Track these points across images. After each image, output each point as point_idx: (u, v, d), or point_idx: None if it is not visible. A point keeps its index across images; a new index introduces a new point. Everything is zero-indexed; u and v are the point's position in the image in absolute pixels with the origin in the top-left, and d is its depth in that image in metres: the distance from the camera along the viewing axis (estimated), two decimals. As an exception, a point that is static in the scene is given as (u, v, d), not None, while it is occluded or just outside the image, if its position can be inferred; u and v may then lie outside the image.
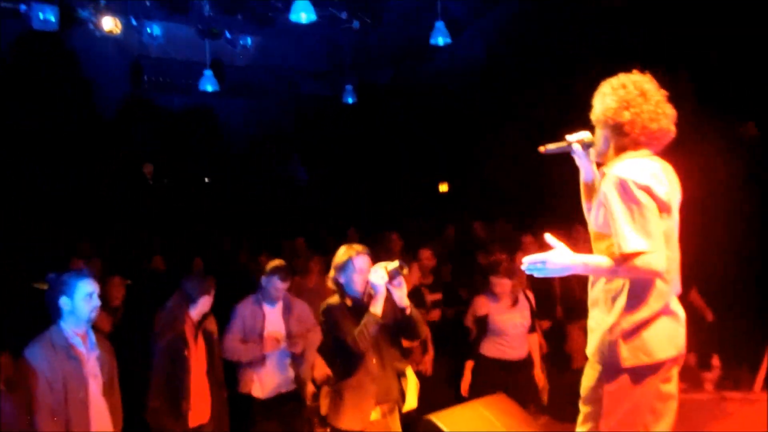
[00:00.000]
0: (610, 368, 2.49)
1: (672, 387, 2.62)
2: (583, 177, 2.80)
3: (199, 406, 4.11)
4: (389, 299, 3.54)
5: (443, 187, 11.30)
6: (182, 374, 4.03)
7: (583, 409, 2.61)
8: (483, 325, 4.73)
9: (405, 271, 3.50)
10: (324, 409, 5.13)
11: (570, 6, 7.00)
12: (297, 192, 10.74)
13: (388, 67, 10.43)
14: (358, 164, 10.91)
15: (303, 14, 7.86)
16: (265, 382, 4.53)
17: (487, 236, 7.70)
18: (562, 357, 5.70)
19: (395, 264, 3.50)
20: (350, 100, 10.62)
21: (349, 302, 3.61)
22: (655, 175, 2.45)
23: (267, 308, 4.56)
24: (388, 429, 3.59)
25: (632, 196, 2.38)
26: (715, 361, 5.26)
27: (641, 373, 2.47)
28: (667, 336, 2.49)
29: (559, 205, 8.06)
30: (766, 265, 5.26)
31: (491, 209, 9.09)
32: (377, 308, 3.47)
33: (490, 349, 4.72)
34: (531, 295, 4.83)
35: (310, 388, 4.81)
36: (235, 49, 8.99)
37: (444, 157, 10.53)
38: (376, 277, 3.48)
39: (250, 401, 4.52)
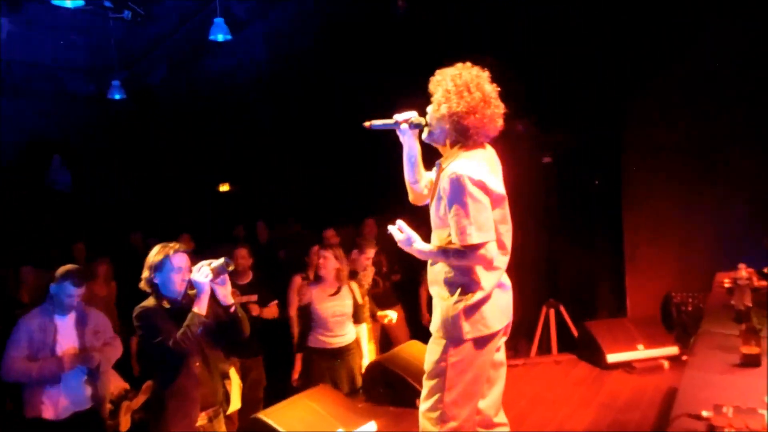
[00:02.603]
0: (454, 341, 2.66)
1: (502, 355, 2.89)
2: (406, 154, 2.91)
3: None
4: (212, 298, 3.39)
5: (224, 188, 11.03)
6: None
7: (428, 383, 2.76)
8: (307, 315, 4.74)
9: (231, 267, 3.38)
10: (123, 426, 4.81)
11: (355, 10, 7.24)
12: (60, 198, 9.70)
13: (163, 64, 9.86)
14: (130, 166, 10.18)
15: (68, -2, 7.12)
16: (57, 402, 4.02)
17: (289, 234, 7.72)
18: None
19: (220, 261, 3.35)
20: (117, 97, 9.84)
21: (166, 304, 3.37)
22: (487, 168, 2.67)
23: (58, 320, 4.06)
24: (214, 434, 3.44)
25: (468, 192, 2.56)
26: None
27: (480, 344, 2.68)
28: (501, 307, 2.72)
29: (346, 203, 8.44)
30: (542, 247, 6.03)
31: (278, 208, 9.11)
32: (202, 307, 3.30)
33: (313, 339, 4.75)
34: (357, 288, 4.93)
35: (108, 406, 4.44)
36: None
37: (225, 157, 10.28)
38: (199, 275, 3.31)
39: (40, 425, 4.00)
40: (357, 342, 4.90)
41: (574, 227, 6.39)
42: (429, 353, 2.77)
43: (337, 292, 4.80)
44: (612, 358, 5.19)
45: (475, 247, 2.55)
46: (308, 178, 9.41)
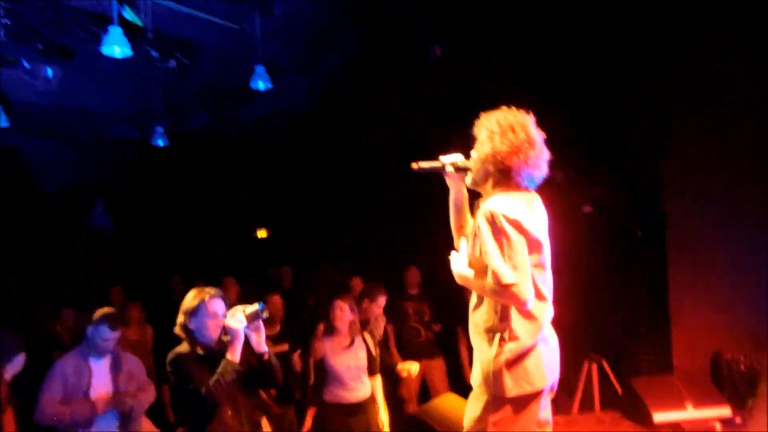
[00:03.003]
0: (496, 399, 2.54)
1: (547, 413, 2.75)
2: (452, 198, 2.89)
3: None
4: (245, 345, 3.34)
5: (261, 233, 11.09)
6: None
7: (467, 440, 2.63)
8: (321, 369, 4.59)
9: (265, 314, 3.33)
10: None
11: (393, 58, 7.29)
12: (101, 241, 9.86)
13: (205, 111, 10.06)
14: (171, 211, 10.33)
15: (117, 48, 7.31)
16: (89, 446, 4.02)
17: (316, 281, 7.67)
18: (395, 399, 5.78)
19: (254, 307, 3.31)
20: (161, 143, 10.05)
21: (200, 350, 3.34)
22: (526, 210, 2.59)
23: (93, 363, 4.07)
24: (245, 484, 3.34)
25: (501, 230, 2.49)
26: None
27: (524, 402, 2.55)
28: (546, 364, 2.60)
29: (382, 249, 8.39)
30: (583, 299, 5.85)
31: (313, 254, 9.10)
32: (235, 355, 3.25)
33: (329, 393, 4.58)
34: (370, 339, 4.80)
35: (141, 453, 4.38)
36: (35, 82, 8.08)
37: (263, 203, 10.37)
38: (233, 321, 3.27)
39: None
40: (372, 396, 4.71)
41: (616, 278, 6.20)
42: (469, 409, 2.64)
43: (351, 344, 4.65)
44: (659, 417, 4.97)
45: (507, 286, 2.45)
46: (348, 225, 9.39)
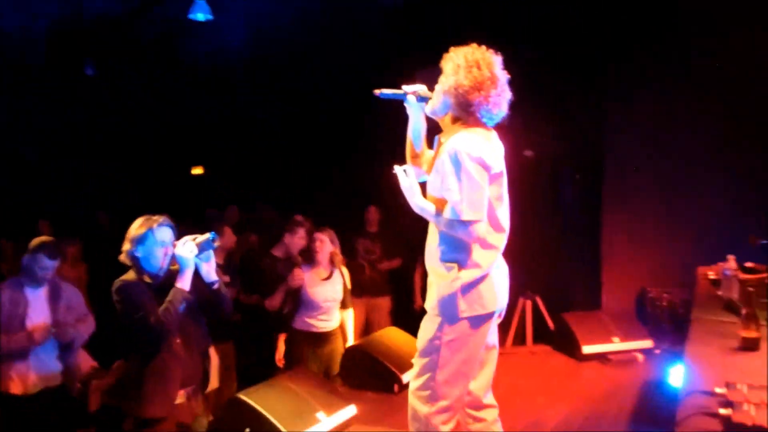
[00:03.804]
0: (449, 319, 2.64)
1: (494, 338, 2.88)
2: (411, 127, 2.92)
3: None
4: (195, 274, 3.30)
5: (197, 170, 10.83)
6: None
7: (419, 361, 2.73)
8: (296, 298, 4.64)
9: (216, 243, 3.29)
10: (93, 405, 4.69)
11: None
12: (25, 171, 9.40)
13: (137, 41, 9.59)
14: (99, 144, 9.92)
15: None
16: (26, 377, 3.95)
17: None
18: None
19: (205, 236, 3.27)
20: (91, 72, 9.58)
21: (147, 279, 3.27)
22: (487, 145, 2.64)
23: (30, 292, 3.96)
24: (192, 412, 3.36)
25: (464, 168, 2.54)
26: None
27: (475, 324, 2.65)
28: (498, 289, 2.70)
29: (344, 187, 8.27)
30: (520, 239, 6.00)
31: (249, 193, 8.97)
32: (185, 283, 3.20)
33: (300, 321, 4.67)
34: (347, 273, 4.86)
35: (77, 385, 4.33)
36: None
37: (199, 140, 10.08)
38: (183, 250, 3.21)
39: (7, 400, 3.91)
40: (341, 327, 4.84)
41: (552, 220, 6.41)
42: (422, 331, 2.74)
43: (329, 277, 4.74)
44: (587, 349, 5.25)
45: (464, 224, 2.54)
46: (298, 165, 9.21)
